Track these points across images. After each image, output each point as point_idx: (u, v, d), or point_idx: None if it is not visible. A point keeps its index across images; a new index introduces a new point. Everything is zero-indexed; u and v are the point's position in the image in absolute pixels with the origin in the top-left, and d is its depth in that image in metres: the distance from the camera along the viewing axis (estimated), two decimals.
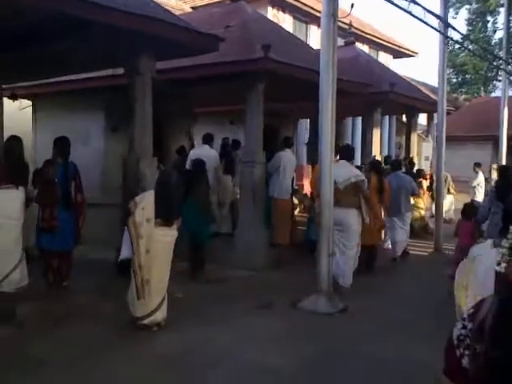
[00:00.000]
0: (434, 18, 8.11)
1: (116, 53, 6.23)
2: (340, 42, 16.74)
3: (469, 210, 7.02)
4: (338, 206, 6.22)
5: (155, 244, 4.65)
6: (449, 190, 14.05)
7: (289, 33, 10.32)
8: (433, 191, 10.59)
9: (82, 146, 9.92)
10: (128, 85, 6.22)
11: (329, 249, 5.97)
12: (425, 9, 6.96)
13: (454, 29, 8.88)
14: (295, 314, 5.75)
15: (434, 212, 10.43)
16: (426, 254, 9.58)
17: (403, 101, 11.54)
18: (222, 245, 8.15)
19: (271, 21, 9.64)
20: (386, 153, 18.24)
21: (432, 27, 7.88)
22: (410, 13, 6.70)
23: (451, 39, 8.59)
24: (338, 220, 6.28)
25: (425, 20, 7.65)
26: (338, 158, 6.89)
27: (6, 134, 9.40)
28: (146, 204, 4.65)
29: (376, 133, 11.67)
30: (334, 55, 5.84)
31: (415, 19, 7.07)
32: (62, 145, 5.91)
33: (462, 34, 9.88)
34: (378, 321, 5.55)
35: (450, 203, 14.46)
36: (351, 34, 13.29)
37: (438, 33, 8.53)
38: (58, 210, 5.66)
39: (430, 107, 12.24)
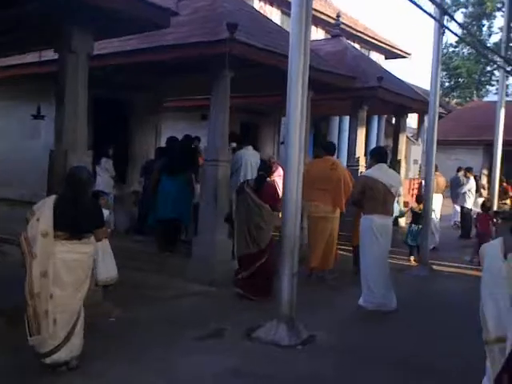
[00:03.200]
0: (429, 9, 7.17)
1: (45, 29, 5.21)
2: (326, 35, 15.83)
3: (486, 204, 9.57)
4: (383, 214, 6.00)
5: (56, 264, 3.55)
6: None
7: (267, 18, 9.31)
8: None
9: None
10: (58, 66, 5.21)
11: (292, 266, 4.96)
12: None
13: (451, 17, 7.95)
14: (248, 347, 4.75)
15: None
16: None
17: (392, 98, 10.52)
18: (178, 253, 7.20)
19: (244, 1, 8.54)
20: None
21: (427, 12, 6.93)
22: None
23: (447, 28, 7.60)
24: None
25: (419, 4, 6.73)
26: (374, 161, 6.34)
27: None
28: (42, 213, 3.57)
29: (361, 132, 10.68)
30: (306, 32, 4.83)
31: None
32: None
33: (458, 23, 8.94)
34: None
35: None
36: (338, 27, 12.28)
37: (433, 20, 7.54)
38: None
39: (421, 107, 11.19)
